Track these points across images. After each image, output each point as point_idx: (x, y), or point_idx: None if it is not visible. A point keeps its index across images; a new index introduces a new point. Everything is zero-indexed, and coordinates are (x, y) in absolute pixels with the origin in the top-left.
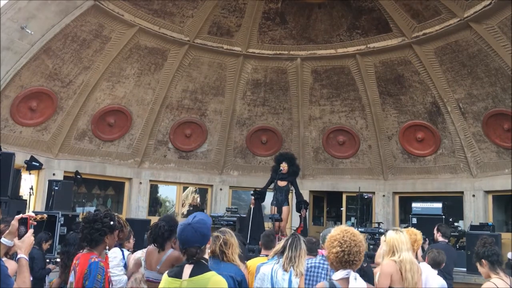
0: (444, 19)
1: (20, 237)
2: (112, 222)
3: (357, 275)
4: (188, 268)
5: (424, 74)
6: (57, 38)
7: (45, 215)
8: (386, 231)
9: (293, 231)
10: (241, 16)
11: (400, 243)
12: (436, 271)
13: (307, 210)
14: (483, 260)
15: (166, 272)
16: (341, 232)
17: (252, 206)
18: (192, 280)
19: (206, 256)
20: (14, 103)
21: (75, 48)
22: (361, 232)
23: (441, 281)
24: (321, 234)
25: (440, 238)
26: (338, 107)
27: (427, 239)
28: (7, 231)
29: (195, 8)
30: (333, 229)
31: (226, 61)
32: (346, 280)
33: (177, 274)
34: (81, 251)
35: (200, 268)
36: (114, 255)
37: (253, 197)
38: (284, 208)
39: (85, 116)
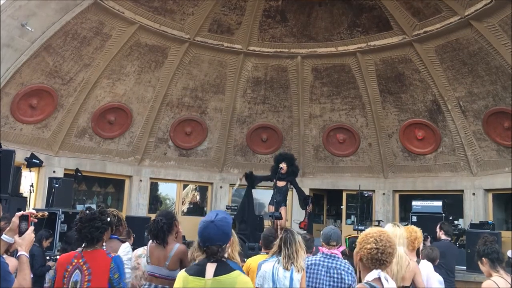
0: (445, 17)
1: (21, 233)
2: (108, 219)
3: (387, 276)
4: (211, 267)
5: (424, 72)
6: (58, 35)
7: (46, 213)
8: None
9: (297, 223)
10: (242, 14)
11: (393, 236)
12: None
13: (313, 205)
14: (483, 258)
15: (183, 270)
16: (378, 232)
17: (238, 182)
18: (219, 279)
19: (226, 255)
20: (15, 101)
21: (76, 46)
22: (360, 230)
23: (439, 277)
24: (321, 232)
25: (443, 236)
26: (338, 105)
27: (429, 236)
28: (8, 228)
29: (195, 5)
30: (368, 229)
31: (227, 59)
32: (378, 280)
33: (199, 273)
34: (80, 249)
35: (224, 267)
36: (128, 249)
37: (243, 175)
38: (282, 209)
39: (85, 113)
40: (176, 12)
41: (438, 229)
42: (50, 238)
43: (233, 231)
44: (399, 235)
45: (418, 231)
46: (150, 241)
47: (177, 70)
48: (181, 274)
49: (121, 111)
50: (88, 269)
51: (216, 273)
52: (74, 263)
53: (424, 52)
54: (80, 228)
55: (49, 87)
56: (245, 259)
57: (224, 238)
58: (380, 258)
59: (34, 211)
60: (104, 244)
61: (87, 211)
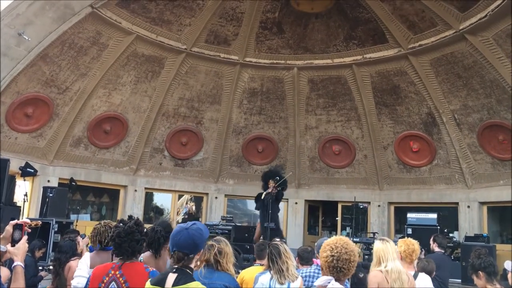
0: (440, 31)
1: (14, 242)
2: (145, 229)
3: (336, 284)
4: (172, 277)
5: (419, 85)
6: (54, 44)
7: (40, 222)
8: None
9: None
10: (239, 25)
11: (386, 253)
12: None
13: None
14: (480, 272)
15: (149, 280)
16: (335, 239)
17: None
18: None
19: (192, 265)
20: (10, 109)
21: (72, 55)
22: (356, 242)
23: None
24: (316, 243)
25: (436, 249)
26: (334, 116)
27: (423, 249)
28: (1, 236)
29: (192, 16)
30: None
31: (223, 70)
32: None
33: (160, 282)
34: (117, 260)
35: (184, 277)
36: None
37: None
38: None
39: (81, 123)
40: (173, 22)
41: (431, 241)
42: (43, 248)
43: (227, 242)
44: (391, 250)
45: (415, 244)
46: (144, 253)
47: (173, 80)
48: (146, 284)
49: (117, 120)
50: (125, 282)
51: (175, 283)
52: (110, 275)
53: (419, 65)
54: (120, 243)
55: (45, 96)
56: (239, 271)
57: (192, 248)
58: (336, 265)
59: (28, 220)
60: (141, 255)
61: (121, 224)
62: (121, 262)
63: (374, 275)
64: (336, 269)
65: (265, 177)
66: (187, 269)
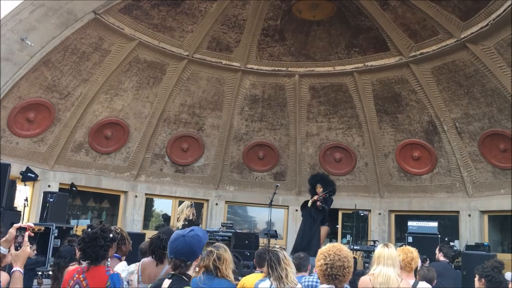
0: (441, 39)
1: (16, 245)
2: (111, 235)
3: None
4: (166, 283)
5: (421, 93)
6: (57, 50)
7: (43, 227)
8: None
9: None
10: (241, 32)
11: (381, 258)
12: None
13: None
14: (483, 279)
15: (149, 286)
16: (328, 247)
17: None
18: None
19: (190, 272)
20: (12, 114)
21: (75, 61)
22: (356, 250)
23: None
24: (319, 251)
25: (441, 258)
26: (335, 124)
27: (427, 259)
28: (4, 238)
29: (194, 23)
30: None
31: (225, 76)
32: None
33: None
34: (81, 265)
35: (178, 283)
36: (123, 268)
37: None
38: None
39: (82, 128)
40: (176, 29)
41: (437, 251)
42: (33, 246)
43: (226, 247)
44: (389, 256)
45: (414, 252)
46: (144, 258)
47: (175, 86)
48: None
49: (118, 126)
50: (87, 285)
51: None
52: (75, 278)
53: (421, 73)
54: (84, 248)
55: (47, 101)
56: (239, 278)
57: (189, 254)
58: (330, 273)
59: (32, 224)
60: (108, 260)
61: (89, 230)
62: (87, 266)
63: (362, 281)
64: (331, 276)
65: (312, 181)
66: (184, 276)
